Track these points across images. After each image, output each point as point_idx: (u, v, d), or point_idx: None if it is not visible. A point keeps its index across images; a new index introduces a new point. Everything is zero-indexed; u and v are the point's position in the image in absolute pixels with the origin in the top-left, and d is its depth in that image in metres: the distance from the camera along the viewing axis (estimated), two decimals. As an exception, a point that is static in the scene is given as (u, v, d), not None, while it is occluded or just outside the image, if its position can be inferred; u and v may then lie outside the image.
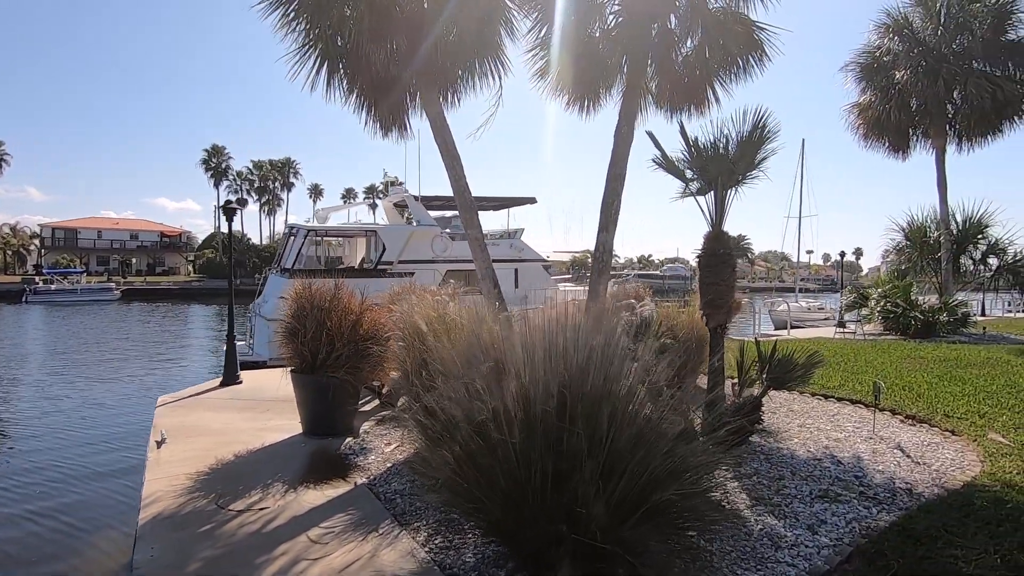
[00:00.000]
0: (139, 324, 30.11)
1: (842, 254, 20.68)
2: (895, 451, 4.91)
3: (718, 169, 5.56)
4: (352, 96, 7.13)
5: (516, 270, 22.44)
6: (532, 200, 24.00)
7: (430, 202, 22.10)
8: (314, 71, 6.91)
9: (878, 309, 14.64)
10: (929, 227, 16.48)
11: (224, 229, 69.57)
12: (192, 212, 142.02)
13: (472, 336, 3.41)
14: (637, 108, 8.78)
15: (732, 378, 7.97)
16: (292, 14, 6.61)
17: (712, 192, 5.74)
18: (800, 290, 34.99)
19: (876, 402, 5.66)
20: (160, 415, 6.13)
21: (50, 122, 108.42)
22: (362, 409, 6.18)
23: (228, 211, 7.67)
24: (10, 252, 61.02)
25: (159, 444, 5.01)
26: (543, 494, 2.58)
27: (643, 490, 2.61)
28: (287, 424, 5.60)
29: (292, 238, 19.28)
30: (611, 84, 9.32)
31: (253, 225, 77.27)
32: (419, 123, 7.69)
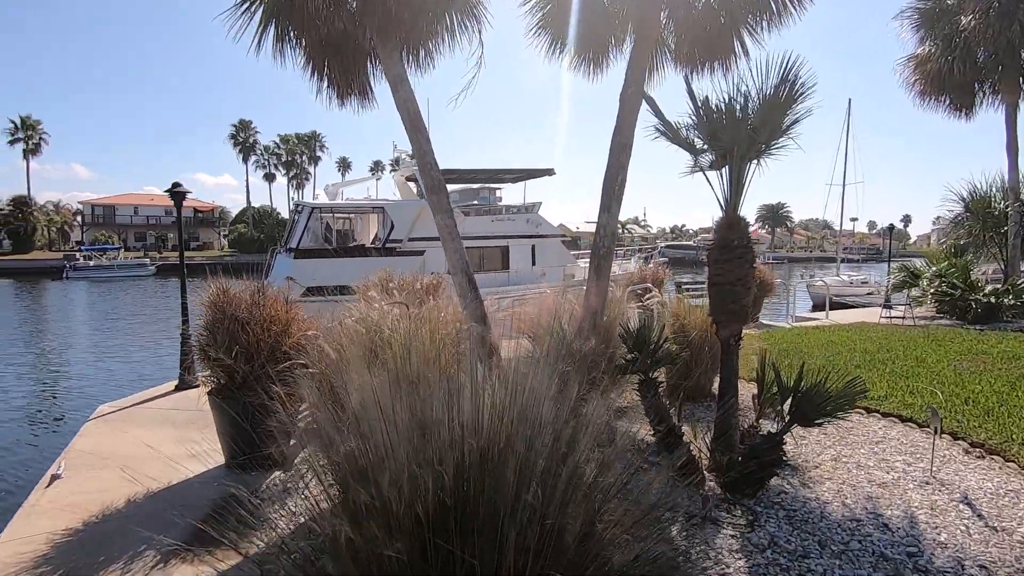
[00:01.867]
0: (166, 299, 30.16)
1: (891, 227, 18.67)
2: (961, 506, 3.76)
3: (734, 137, 4.34)
4: (305, 58, 6.10)
5: (533, 246, 21.31)
6: (550, 172, 22.64)
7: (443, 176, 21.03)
8: (260, 30, 5.90)
9: (931, 291, 13.03)
10: (994, 196, 14.54)
11: (256, 204, 70.29)
12: (230, 187, 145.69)
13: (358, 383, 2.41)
14: (648, 65, 7.50)
15: (751, 380, 6.83)
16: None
17: (727, 166, 4.55)
18: (842, 260, 32.86)
19: (936, 433, 4.47)
20: (85, 432, 5.43)
21: (93, 100, 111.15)
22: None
23: (176, 195, 6.83)
24: (54, 229, 62.86)
25: (53, 479, 4.27)
26: None
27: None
28: (217, 449, 4.79)
29: (298, 216, 18.60)
30: (621, 38, 8.02)
31: (282, 199, 77.86)
32: (387, 89, 6.60)
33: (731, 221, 4.46)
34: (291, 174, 73.90)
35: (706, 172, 4.77)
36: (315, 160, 75.20)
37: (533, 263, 21.19)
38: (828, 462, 4.56)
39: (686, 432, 4.82)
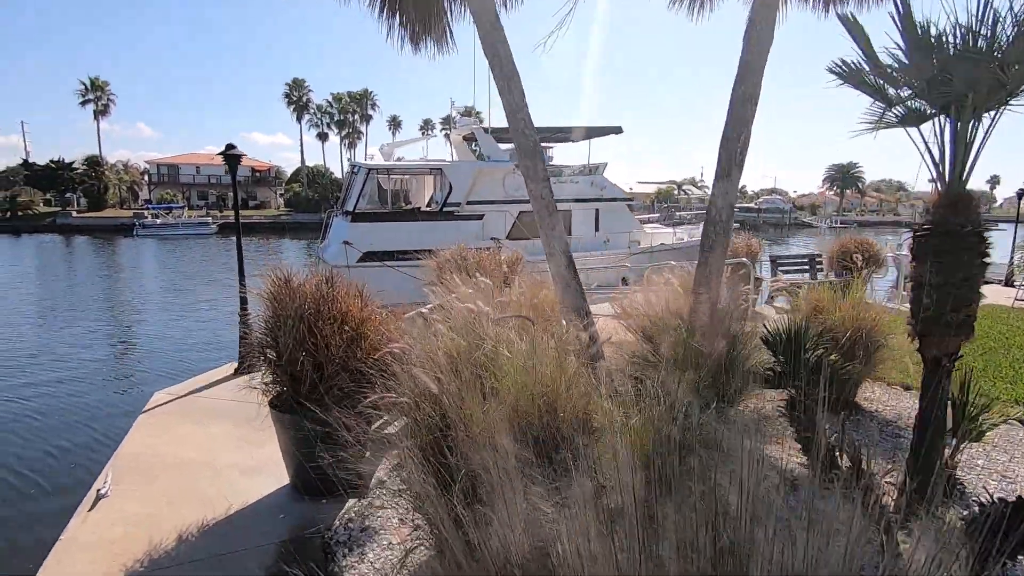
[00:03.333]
0: (229, 259, 30.42)
1: (1020, 192, 16.08)
2: None
3: (970, 79, 3.08)
4: (372, -7, 5.08)
5: (597, 211, 19.95)
6: (618, 129, 21.00)
7: (501, 135, 19.84)
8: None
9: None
10: None
11: (310, 162, 70.83)
12: (283, 146, 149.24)
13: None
14: (780, -5, 6.12)
15: (905, 386, 5.65)
16: None
17: (948, 120, 3.31)
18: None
19: None
20: (138, 427, 4.88)
21: (153, 59, 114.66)
22: (385, 429, 4.60)
23: (230, 159, 6.07)
24: (124, 188, 65.45)
25: (98, 497, 3.68)
26: None
27: None
28: (280, 460, 4.09)
29: (355, 177, 17.92)
30: (739, -36, 6.62)
31: (335, 158, 78.25)
32: (467, 31, 5.53)
33: (955, 198, 3.25)
34: (343, 133, 73.85)
35: (907, 129, 3.55)
36: (367, 119, 74.74)
37: (596, 229, 19.90)
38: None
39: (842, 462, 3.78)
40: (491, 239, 16.87)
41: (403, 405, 2.62)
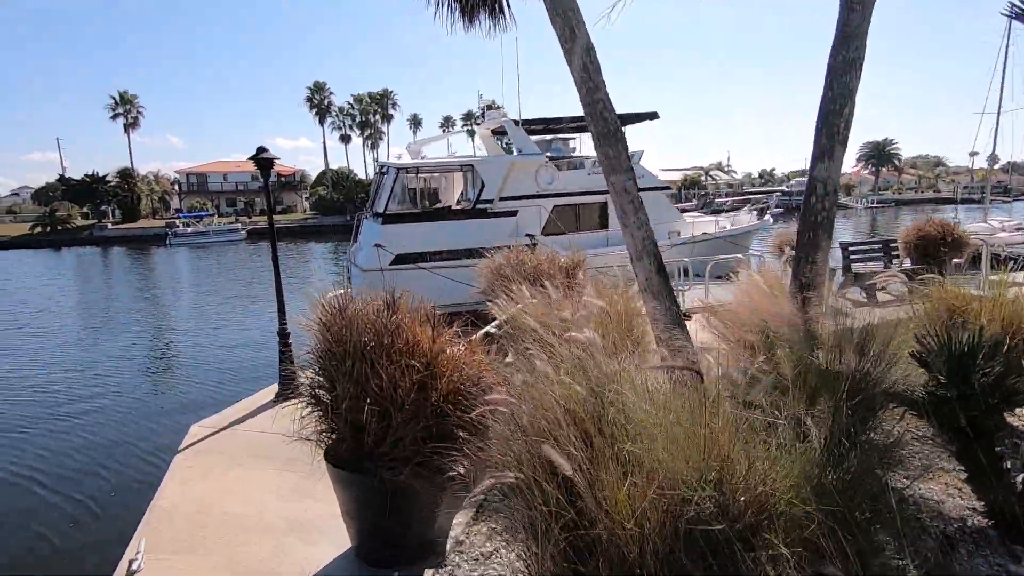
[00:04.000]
0: (261, 265, 29.66)
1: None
2: None
3: None
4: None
5: (636, 201, 18.96)
6: (654, 115, 19.99)
7: (531, 127, 19.00)
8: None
9: None
10: None
11: (333, 165, 71.09)
12: (305, 149, 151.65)
13: None
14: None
15: None
16: None
17: None
18: (989, 201, 28.41)
19: None
20: (174, 471, 4.33)
21: (179, 71, 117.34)
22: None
23: (262, 163, 5.48)
24: (155, 198, 66.66)
25: (130, 573, 3.11)
26: None
27: None
28: (336, 514, 3.46)
29: (384, 178, 17.36)
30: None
31: (357, 159, 78.42)
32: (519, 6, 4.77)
33: None
34: (366, 134, 73.89)
35: None
36: (388, 119, 74.62)
37: (635, 220, 18.91)
38: None
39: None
40: (526, 235, 16.14)
41: (515, 485, 1.93)
